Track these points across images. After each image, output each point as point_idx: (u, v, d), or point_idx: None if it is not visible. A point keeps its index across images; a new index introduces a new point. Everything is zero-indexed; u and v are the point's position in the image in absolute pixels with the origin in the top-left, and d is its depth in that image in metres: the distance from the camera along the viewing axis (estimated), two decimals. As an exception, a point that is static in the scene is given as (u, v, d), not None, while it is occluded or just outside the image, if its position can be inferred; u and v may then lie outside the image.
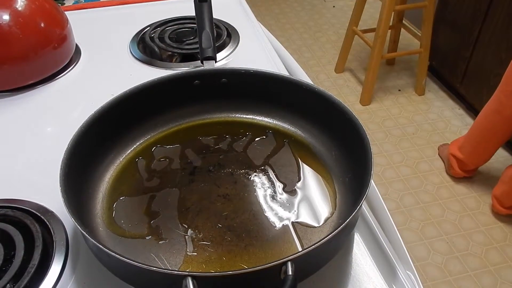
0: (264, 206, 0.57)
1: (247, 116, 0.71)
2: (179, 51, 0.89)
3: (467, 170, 1.78)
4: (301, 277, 0.46)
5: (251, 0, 3.14)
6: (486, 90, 1.95)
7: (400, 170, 1.88)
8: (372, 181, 0.51)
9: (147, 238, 0.53)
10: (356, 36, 2.31)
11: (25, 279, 0.47)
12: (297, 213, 0.56)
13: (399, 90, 2.33)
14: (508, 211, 1.63)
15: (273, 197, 0.58)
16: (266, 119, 0.70)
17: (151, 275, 0.43)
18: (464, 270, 1.51)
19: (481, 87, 1.98)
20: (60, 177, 0.50)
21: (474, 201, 1.74)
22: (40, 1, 0.79)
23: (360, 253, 0.54)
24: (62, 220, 0.55)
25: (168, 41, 0.91)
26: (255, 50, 0.91)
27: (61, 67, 0.84)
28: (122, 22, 1.01)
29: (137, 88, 0.64)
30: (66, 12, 0.87)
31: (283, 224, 0.55)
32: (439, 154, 1.92)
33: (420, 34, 2.18)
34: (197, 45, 0.77)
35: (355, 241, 0.55)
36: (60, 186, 0.49)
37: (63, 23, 0.83)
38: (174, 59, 0.90)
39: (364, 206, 0.59)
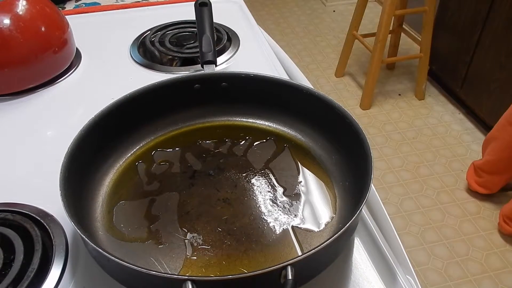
0: (264, 210, 0.57)
1: (247, 120, 0.71)
2: (180, 55, 0.89)
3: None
4: (301, 281, 0.46)
5: (252, 4, 3.16)
6: (486, 95, 1.95)
7: (400, 174, 1.88)
8: (372, 186, 0.50)
9: (147, 242, 0.53)
10: (356, 40, 2.31)
11: (24, 283, 0.47)
12: (297, 217, 0.56)
13: (399, 95, 2.33)
14: None
15: (273, 201, 0.58)
16: (266, 123, 0.71)
17: (151, 279, 0.43)
18: (464, 275, 1.50)
19: (481, 91, 1.98)
20: (60, 181, 0.50)
21: (475, 206, 1.74)
22: (41, 5, 0.79)
23: (360, 258, 0.53)
24: (62, 224, 0.55)
25: (168, 45, 0.91)
26: (256, 54, 0.91)
27: (62, 71, 0.84)
28: (123, 26, 1.01)
29: (138, 92, 0.64)
30: (66, 16, 0.87)
31: (283, 228, 0.54)
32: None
33: (420, 39, 2.18)
34: (198, 49, 0.77)
35: (355, 245, 0.55)
36: (60, 190, 0.49)
37: (63, 27, 0.83)
38: (174, 63, 0.90)
39: (364, 211, 0.59)
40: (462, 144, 2.02)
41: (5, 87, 0.78)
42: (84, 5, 1.10)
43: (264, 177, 0.62)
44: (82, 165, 0.56)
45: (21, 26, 0.75)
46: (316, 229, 0.54)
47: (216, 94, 0.70)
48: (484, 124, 2.06)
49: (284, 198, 0.59)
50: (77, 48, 0.90)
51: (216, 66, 0.74)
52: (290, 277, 0.40)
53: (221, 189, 0.60)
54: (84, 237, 0.45)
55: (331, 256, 0.49)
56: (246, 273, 0.41)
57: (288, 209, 0.57)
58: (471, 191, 1.78)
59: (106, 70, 0.87)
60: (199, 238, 0.53)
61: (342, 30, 2.89)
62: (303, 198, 0.59)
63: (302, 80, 0.86)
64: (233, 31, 0.97)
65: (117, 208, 0.57)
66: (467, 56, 2.03)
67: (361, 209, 0.47)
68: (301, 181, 0.61)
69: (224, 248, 0.52)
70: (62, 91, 0.81)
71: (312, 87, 0.66)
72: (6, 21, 0.74)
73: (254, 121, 0.71)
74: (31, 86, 0.80)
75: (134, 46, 0.93)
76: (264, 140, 0.68)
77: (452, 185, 1.82)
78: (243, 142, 0.68)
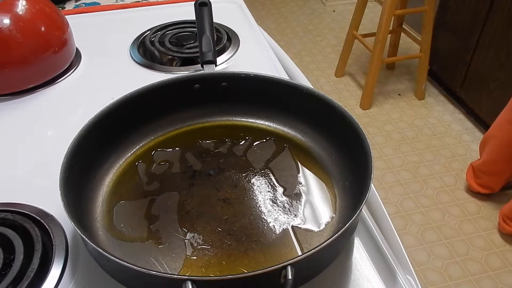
0: (264, 210, 0.57)
1: (247, 120, 0.71)
2: (180, 55, 0.89)
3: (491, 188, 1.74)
4: (301, 281, 0.46)
5: (251, 4, 3.16)
6: (486, 95, 1.95)
7: (400, 174, 1.88)
8: (372, 185, 0.50)
9: (147, 242, 0.53)
10: (356, 40, 2.31)
11: (24, 283, 0.47)
12: (297, 217, 0.56)
13: (399, 95, 2.33)
14: None
15: (273, 201, 0.58)
16: (266, 123, 0.71)
17: (151, 279, 0.43)
18: (464, 275, 1.50)
19: (481, 91, 1.98)
20: (60, 180, 0.50)
21: (475, 205, 1.74)
22: (41, 5, 0.79)
23: (360, 258, 0.53)
24: (62, 224, 0.55)
25: (168, 45, 0.91)
26: (255, 54, 0.91)
27: (62, 71, 0.84)
28: (123, 26, 1.01)
29: (137, 92, 0.64)
30: (66, 16, 0.87)
31: (283, 228, 0.54)
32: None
33: (420, 39, 2.18)
34: (197, 49, 0.77)
35: (355, 245, 0.55)
36: (60, 189, 0.49)
37: (63, 27, 0.83)
38: (174, 63, 0.90)
39: (364, 211, 0.59)
40: (462, 144, 2.02)
41: (5, 87, 0.78)
42: (84, 5, 1.10)
43: (264, 177, 0.62)
44: (82, 165, 0.56)
45: (21, 26, 0.75)
46: (316, 229, 0.54)
47: (216, 94, 0.70)
48: (484, 124, 2.06)
49: (284, 198, 0.59)
50: (77, 48, 0.90)
51: (216, 66, 0.74)
52: (290, 277, 0.40)
53: (221, 189, 0.60)
54: (84, 237, 0.45)
55: (331, 256, 0.49)
56: (246, 273, 0.41)
57: (288, 209, 0.57)
58: (471, 191, 1.78)
59: (106, 70, 0.87)
60: (199, 238, 0.53)
61: (342, 30, 2.89)
62: (303, 198, 0.59)
63: (302, 80, 0.86)
64: (233, 31, 0.97)
65: (117, 208, 0.57)
66: (467, 56, 2.03)
67: (361, 209, 0.47)
68: (301, 181, 0.61)
69: (224, 248, 0.52)
70: (62, 91, 0.81)
71: (312, 87, 0.66)
72: (6, 21, 0.74)
73: (254, 121, 0.71)
74: (31, 86, 0.80)
75: (134, 46, 0.93)
76: (264, 140, 0.68)
77: (452, 185, 1.82)
78: (243, 142, 0.68)
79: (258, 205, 0.57)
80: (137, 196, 0.59)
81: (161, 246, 0.53)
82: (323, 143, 0.65)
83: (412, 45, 2.57)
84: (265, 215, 0.56)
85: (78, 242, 0.54)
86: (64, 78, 0.84)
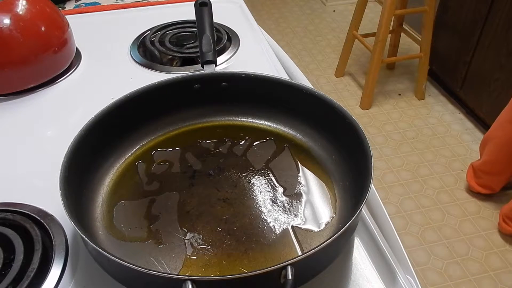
0: (264, 210, 0.57)
1: (247, 120, 0.71)
2: (180, 55, 0.89)
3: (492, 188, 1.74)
4: (301, 281, 0.46)
5: (252, 4, 3.16)
6: (486, 95, 1.95)
7: (400, 174, 1.88)
8: (372, 185, 0.50)
9: (146, 242, 0.53)
10: (356, 40, 2.31)
11: (24, 283, 0.47)
12: (297, 217, 0.56)
13: (399, 95, 2.33)
14: None
15: (273, 201, 0.58)
16: (266, 123, 0.71)
17: (151, 279, 0.43)
18: (464, 275, 1.50)
19: (481, 91, 1.98)
20: (60, 180, 0.50)
21: (475, 205, 1.74)
22: (41, 5, 0.79)
23: (360, 258, 0.53)
24: (62, 224, 0.55)
25: (168, 45, 0.92)
26: (256, 54, 0.91)
27: (61, 71, 0.84)
28: (123, 26, 1.01)
29: (137, 92, 0.64)
30: (66, 16, 0.87)
31: (283, 228, 0.54)
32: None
33: (420, 39, 2.18)
34: (198, 49, 0.77)
35: (355, 245, 0.55)
36: (60, 189, 0.49)
37: (63, 27, 0.83)
38: (174, 63, 0.90)
39: (364, 211, 0.59)
40: (462, 144, 2.02)
41: (5, 87, 0.78)
42: (84, 5, 1.10)
43: (264, 177, 0.62)
44: (82, 165, 0.56)
45: (21, 26, 0.75)
46: (316, 229, 0.54)
47: (216, 94, 0.70)
48: (484, 124, 2.06)
49: (284, 198, 0.59)
50: (77, 48, 0.90)
51: (216, 66, 0.74)
52: (290, 277, 0.40)
53: (221, 189, 0.60)
54: (84, 237, 0.45)
55: (331, 256, 0.49)
56: (246, 273, 0.41)
57: (288, 209, 0.57)
58: (471, 191, 1.78)
59: (106, 70, 0.87)
60: (199, 238, 0.53)
61: (342, 30, 2.89)
62: (303, 198, 0.59)
63: (302, 80, 0.86)
64: (233, 31, 0.97)
65: (117, 208, 0.57)
66: (467, 56, 2.03)
67: (361, 209, 0.47)
68: (301, 181, 0.61)
69: (224, 248, 0.52)
70: (62, 91, 0.81)
71: (312, 87, 0.66)
72: (6, 21, 0.73)
73: (254, 121, 0.71)
74: (31, 86, 0.80)
75: (134, 46, 0.93)
76: (264, 140, 0.68)
77: (452, 185, 1.82)
78: (243, 142, 0.68)
79: (258, 205, 0.57)
80: (137, 196, 0.59)
81: (161, 246, 0.53)
82: (323, 143, 0.65)
83: (412, 45, 2.58)
84: (265, 215, 0.56)
85: (78, 242, 0.54)
86: (64, 78, 0.84)
